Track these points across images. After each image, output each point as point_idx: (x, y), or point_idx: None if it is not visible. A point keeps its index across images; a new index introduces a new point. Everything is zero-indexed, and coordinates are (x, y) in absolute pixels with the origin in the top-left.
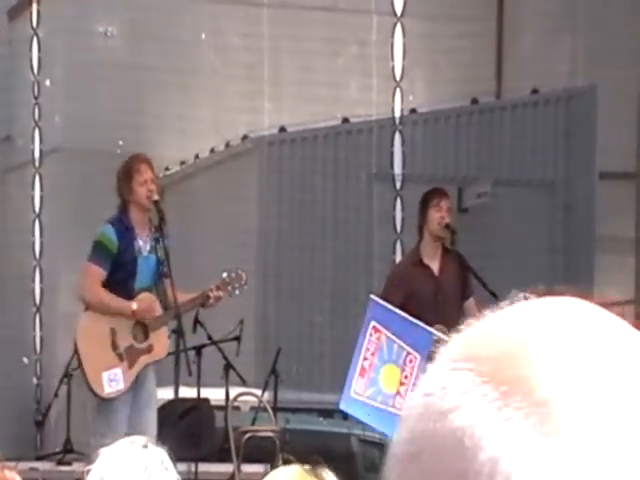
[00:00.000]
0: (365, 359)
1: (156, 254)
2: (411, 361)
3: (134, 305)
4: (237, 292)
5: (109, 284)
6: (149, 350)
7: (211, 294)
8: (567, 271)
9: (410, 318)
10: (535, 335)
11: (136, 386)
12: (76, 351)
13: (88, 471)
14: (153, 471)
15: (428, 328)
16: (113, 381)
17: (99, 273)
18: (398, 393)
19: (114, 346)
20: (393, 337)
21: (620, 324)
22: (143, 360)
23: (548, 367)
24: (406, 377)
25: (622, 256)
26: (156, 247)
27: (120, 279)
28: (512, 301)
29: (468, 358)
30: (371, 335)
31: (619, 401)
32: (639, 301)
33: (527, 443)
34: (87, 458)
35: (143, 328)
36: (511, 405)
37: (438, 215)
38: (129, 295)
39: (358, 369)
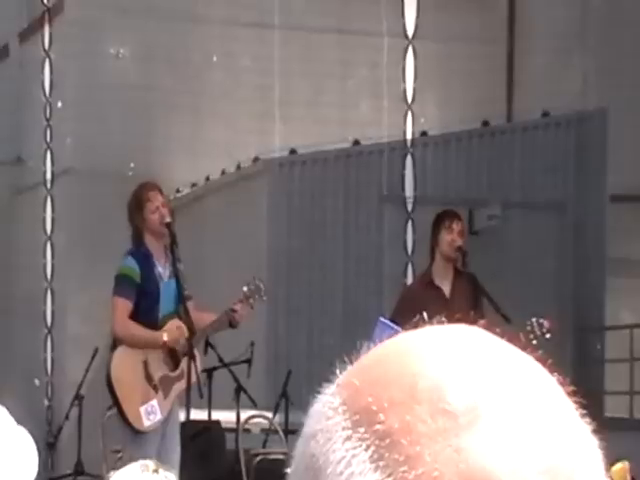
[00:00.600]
0: None
1: (176, 278)
2: None
3: (165, 336)
4: (256, 303)
5: (135, 314)
6: (181, 377)
7: (237, 310)
8: (577, 294)
9: None
10: (398, 366)
11: (170, 416)
12: (110, 389)
13: None
14: None
15: None
16: (151, 414)
17: (126, 306)
18: None
19: (148, 378)
20: None
21: (482, 353)
22: (177, 388)
23: (397, 399)
24: None
25: (633, 278)
26: (175, 272)
27: (145, 308)
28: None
29: (344, 384)
30: None
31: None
32: None
33: (362, 476)
34: None
35: (173, 355)
36: (356, 435)
37: (449, 237)
38: (155, 323)
39: None
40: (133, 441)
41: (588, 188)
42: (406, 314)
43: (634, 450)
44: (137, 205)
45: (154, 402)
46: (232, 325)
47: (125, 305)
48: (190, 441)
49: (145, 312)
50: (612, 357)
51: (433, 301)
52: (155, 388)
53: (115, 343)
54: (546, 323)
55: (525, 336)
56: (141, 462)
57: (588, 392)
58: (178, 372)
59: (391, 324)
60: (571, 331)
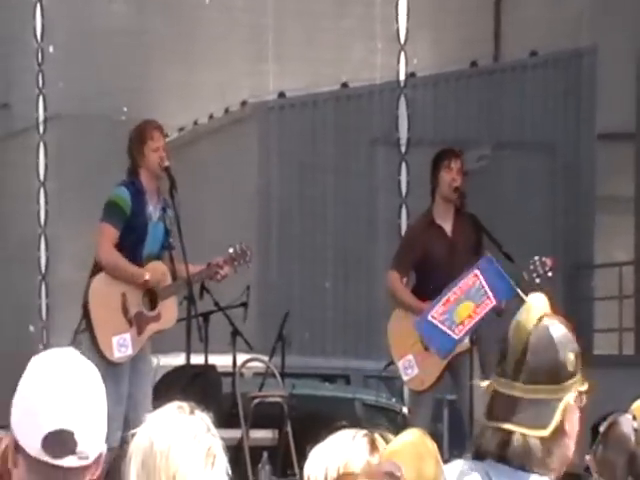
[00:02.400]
0: (454, 293)
1: (164, 223)
2: (486, 304)
3: (147, 275)
4: (240, 267)
5: (119, 248)
6: (157, 318)
7: (219, 269)
8: (567, 232)
9: (507, 277)
10: None
11: (137, 356)
12: (86, 314)
13: (133, 435)
14: (202, 438)
15: (515, 287)
16: (122, 346)
17: (113, 233)
18: (461, 323)
19: (125, 311)
20: (484, 284)
21: None
22: (151, 328)
23: None
24: (475, 313)
25: (622, 216)
26: (164, 216)
27: (130, 243)
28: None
29: None
30: (469, 279)
31: None
32: (639, 260)
33: None
34: None
35: (152, 296)
36: None
37: (449, 177)
38: (138, 261)
39: (444, 299)
40: (106, 375)
41: (577, 127)
42: (410, 253)
43: (623, 387)
44: (139, 139)
45: (127, 335)
46: (213, 279)
47: (112, 232)
48: (186, 385)
49: (129, 248)
50: (601, 295)
51: (436, 240)
52: (130, 322)
53: (95, 269)
54: (549, 261)
55: (529, 275)
56: (177, 403)
57: (578, 330)
58: (155, 313)
59: (495, 264)
60: (561, 269)
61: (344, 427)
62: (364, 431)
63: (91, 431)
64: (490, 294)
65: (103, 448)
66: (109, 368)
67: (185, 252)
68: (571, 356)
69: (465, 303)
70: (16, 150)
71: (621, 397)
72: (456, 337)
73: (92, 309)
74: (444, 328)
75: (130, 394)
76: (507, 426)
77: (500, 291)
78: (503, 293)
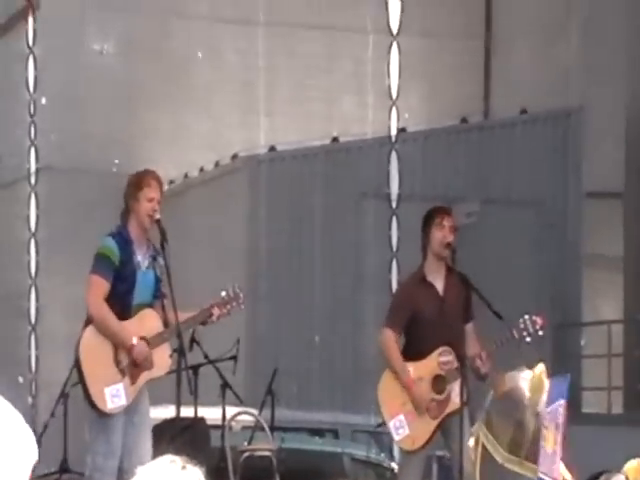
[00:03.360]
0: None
1: (154, 271)
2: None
3: (134, 340)
4: (233, 310)
5: (109, 297)
6: (150, 366)
7: (214, 312)
8: (555, 290)
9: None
10: None
11: (132, 407)
12: (78, 366)
13: None
14: None
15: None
16: (115, 397)
17: (103, 285)
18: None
19: (116, 361)
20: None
21: None
22: (145, 376)
23: None
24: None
25: (610, 274)
26: (154, 264)
27: (120, 293)
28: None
29: None
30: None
31: None
32: (628, 319)
33: None
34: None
35: (146, 343)
36: None
37: (441, 234)
38: (127, 310)
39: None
40: (97, 423)
41: (565, 184)
42: (403, 312)
43: (611, 445)
44: (136, 185)
45: (120, 386)
46: (203, 323)
47: (102, 284)
48: (175, 438)
49: (119, 297)
50: (590, 353)
51: (427, 298)
52: (122, 372)
53: (88, 321)
54: (539, 320)
55: (519, 333)
56: (169, 457)
57: None
58: (147, 362)
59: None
60: (549, 326)
61: None
62: None
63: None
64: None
65: None
66: (100, 420)
67: (175, 303)
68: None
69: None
70: (6, 201)
71: (609, 456)
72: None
73: (83, 361)
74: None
75: (125, 445)
76: None
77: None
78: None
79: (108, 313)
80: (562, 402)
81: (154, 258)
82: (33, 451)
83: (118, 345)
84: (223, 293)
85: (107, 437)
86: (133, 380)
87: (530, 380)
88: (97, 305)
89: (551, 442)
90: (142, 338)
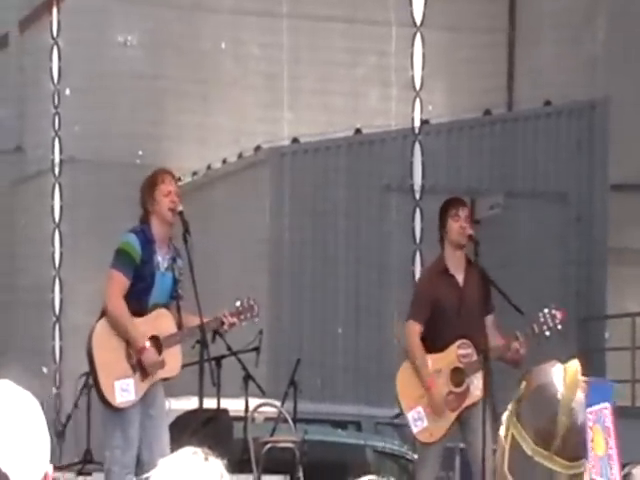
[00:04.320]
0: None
1: (173, 273)
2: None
3: (147, 343)
4: (244, 324)
5: (127, 295)
6: (162, 365)
7: (225, 320)
8: (580, 282)
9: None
10: None
11: (148, 401)
12: (90, 359)
13: None
14: None
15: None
16: (125, 391)
17: (123, 281)
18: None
19: (128, 356)
20: (613, 443)
21: None
22: (155, 375)
23: None
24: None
25: (635, 267)
26: (173, 267)
27: (138, 291)
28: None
29: None
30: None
31: None
32: None
33: None
34: (110, 474)
35: (158, 343)
36: None
37: (457, 224)
38: (143, 309)
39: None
40: (113, 418)
41: (590, 177)
42: (426, 303)
43: (635, 438)
44: (150, 186)
45: (130, 381)
46: (216, 332)
47: (122, 281)
48: (198, 430)
49: (136, 296)
50: (614, 345)
51: (447, 289)
52: (133, 368)
53: (103, 314)
54: (559, 314)
55: (539, 327)
56: (191, 449)
57: None
58: (160, 358)
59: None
60: (573, 319)
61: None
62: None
63: (28, 470)
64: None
65: None
66: (115, 414)
67: (198, 297)
68: None
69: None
70: (31, 193)
71: (634, 448)
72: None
73: (95, 353)
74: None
75: (144, 438)
76: None
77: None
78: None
79: (123, 310)
80: (607, 405)
81: (174, 260)
82: (47, 445)
83: (129, 343)
84: (237, 303)
85: (124, 431)
86: (144, 377)
87: (564, 375)
88: (114, 301)
89: (602, 445)
90: (154, 337)
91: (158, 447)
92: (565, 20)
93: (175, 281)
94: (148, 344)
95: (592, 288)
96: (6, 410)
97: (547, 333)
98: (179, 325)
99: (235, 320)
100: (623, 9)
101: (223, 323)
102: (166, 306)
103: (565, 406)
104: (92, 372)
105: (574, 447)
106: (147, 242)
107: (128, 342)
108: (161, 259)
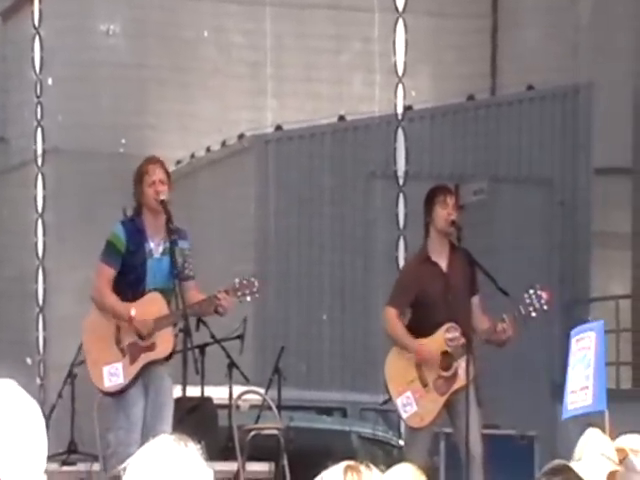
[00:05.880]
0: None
1: (170, 257)
2: (585, 395)
3: (132, 311)
4: (248, 299)
5: (120, 285)
6: (151, 348)
7: (220, 297)
8: (564, 266)
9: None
10: None
11: (150, 386)
12: (81, 345)
13: (124, 468)
14: (193, 471)
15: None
16: (114, 375)
17: (108, 272)
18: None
19: (117, 341)
20: (592, 363)
21: None
22: (145, 357)
23: None
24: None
25: (619, 251)
26: (171, 250)
27: (131, 280)
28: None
29: None
30: (587, 337)
31: None
32: (636, 295)
33: None
34: (116, 455)
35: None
36: None
37: (444, 212)
38: (140, 296)
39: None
40: (115, 403)
41: (574, 162)
42: (407, 291)
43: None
44: (137, 177)
45: (119, 365)
46: (217, 312)
47: (106, 271)
48: (183, 418)
49: (130, 285)
50: None
51: (431, 276)
52: (122, 352)
53: None
54: (545, 295)
55: (525, 309)
56: (169, 436)
57: None
58: (149, 342)
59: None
60: (558, 303)
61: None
62: (346, 463)
63: (24, 472)
64: (590, 385)
65: None
66: (116, 398)
67: (181, 285)
68: None
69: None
70: (14, 184)
71: (618, 432)
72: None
73: (85, 340)
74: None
75: (147, 422)
76: None
77: (597, 391)
78: (598, 398)
79: (106, 292)
80: (591, 334)
81: (174, 242)
82: (44, 442)
83: (119, 320)
84: (236, 280)
85: (126, 412)
86: (133, 360)
87: None
88: (99, 290)
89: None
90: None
91: (161, 429)
92: (548, 5)
93: (172, 264)
94: (134, 312)
95: (576, 272)
96: (5, 414)
97: (533, 314)
98: (187, 306)
99: (231, 298)
100: None
101: (218, 304)
102: (169, 290)
103: None
104: (84, 359)
105: None
106: (136, 232)
107: (118, 327)
108: (154, 246)
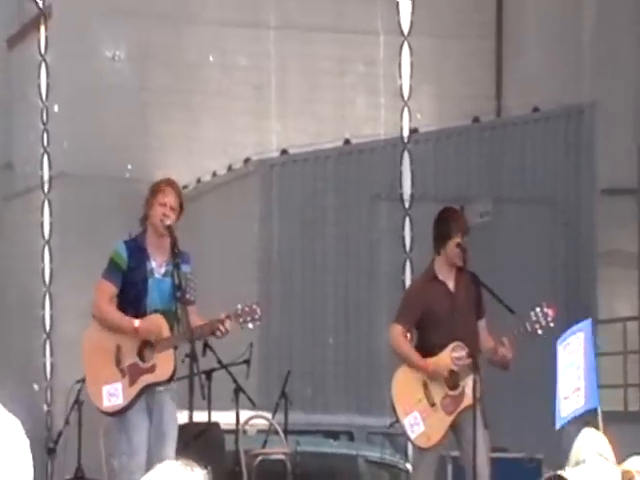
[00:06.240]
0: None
1: (172, 279)
2: (577, 397)
3: (136, 322)
4: (250, 326)
5: (121, 303)
6: (151, 370)
7: (220, 324)
8: (569, 287)
9: (595, 372)
10: None
11: (155, 411)
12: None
13: None
14: None
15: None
16: (113, 396)
17: (109, 288)
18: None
19: (117, 362)
20: (582, 364)
21: None
22: (144, 379)
23: None
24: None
25: (625, 271)
26: (173, 272)
27: (132, 298)
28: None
29: None
30: (576, 338)
31: None
32: None
33: None
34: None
35: (151, 349)
36: None
37: (453, 242)
38: (141, 315)
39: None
40: (116, 425)
41: (578, 182)
42: (413, 309)
43: (628, 442)
44: (152, 192)
45: (118, 385)
46: (215, 335)
47: (107, 287)
48: (189, 443)
49: (131, 303)
50: (606, 350)
51: (438, 295)
52: (122, 372)
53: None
54: (550, 312)
55: (531, 326)
56: (175, 461)
57: None
58: (149, 364)
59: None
60: (564, 324)
61: None
62: None
63: None
64: (582, 386)
65: None
66: (118, 419)
67: (186, 308)
68: None
69: (569, 370)
70: (19, 209)
71: (626, 454)
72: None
73: (85, 358)
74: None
75: (151, 447)
76: None
77: (588, 390)
78: (590, 397)
79: (108, 308)
80: (579, 335)
81: (176, 266)
82: (28, 463)
83: (124, 333)
84: (238, 306)
85: (128, 436)
86: (132, 381)
87: None
88: (99, 306)
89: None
90: (146, 342)
91: (165, 454)
92: (551, 26)
93: (175, 286)
94: (138, 322)
95: (582, 292)
96: None
97: (539, 331)
98: (189, 330)
99: (231, 323)
100: (608, 13)
101: (218, 328)
102: (170, 312)
103: None
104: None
105: None
106: (137, 250)
107: (118, 347)
108: (156, 265)
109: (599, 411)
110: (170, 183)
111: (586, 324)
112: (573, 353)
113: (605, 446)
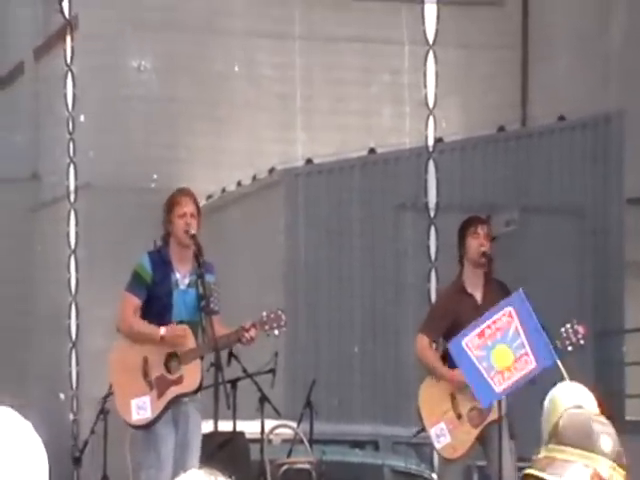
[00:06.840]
0: (488, 327)
1: (197, 289)
2: (526, 362)
3: (162, 330)
4: (276, 332)
5: (147, 316)
6: (179, 381)
7: (246, 332)
8: (597, 296)
9: (543, 332)
10: None
11: (180, 423)
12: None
13: None
14: None
15: (553, 351)
16: (141, 409)
17: (133, 301)
18: (501, 372)
19: (145, 374)
20: (521, 332)
21: None
22: (172, 391)
23: None
24: (515, 368)
25: None
26: (197, 283)
27: (156, 311)
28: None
29: None
30: (504, 315)
31: None
32: None
33: None
34: None
35: (178, 360)
36: None
37: (476, 242)
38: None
39: (478, 329)
40: (145, 438)
41: (606, 191)
42: (440, 319)
43: None
44: (168, 207)
45: (146, 398)
46: (241, 342)
47: (131, 300)
48: (215, 453)
49: (156, 315)
50: (633, 360)
51: (466, 308)
52: (150, 385)
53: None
54: (581, 329)
55: (562, 343)
56: (200, 471)
57: (609, 395)
58: (176, 375)
59: (527, 302)
60: (591, 334)
61: None
62: None
63: None
64: (528, 350)
65: None
66: (146, 432)
67: (211, 318)
68: (607, 438)
69: (501, 346)
70: (46, 220)
71: None
72: (498, 392)
73: (112, 373)
74: (480, 368)
75: (176, 458)
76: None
77: (538, 349)
78: (542, 356)
79: (135, 320)
80: (509, 310)
81: (200, 277)
82: (44, 462)
83: (151, 341)
84: (263, 313)
85: (157, 450)
86: (160, 394)
87: None
88: (124, 318)
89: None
90: (172, 353)
91: (189, 467)
92: (578, 34)
93: (199, 297)
94: (164, 330)
95: (609, 302)
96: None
97: (570, 348)
98: (214, 340)
99: (257, 331)
100: (637, 20)
101: (243, 335)
102: (195, 323)
103: None
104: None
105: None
106: (161, 262)
107: (145, 360)
108: (180, 277)
109: (560, 365)
110: (183, 192)
111: (516, 296)
112: (503, 329)
113: (584, 395)
